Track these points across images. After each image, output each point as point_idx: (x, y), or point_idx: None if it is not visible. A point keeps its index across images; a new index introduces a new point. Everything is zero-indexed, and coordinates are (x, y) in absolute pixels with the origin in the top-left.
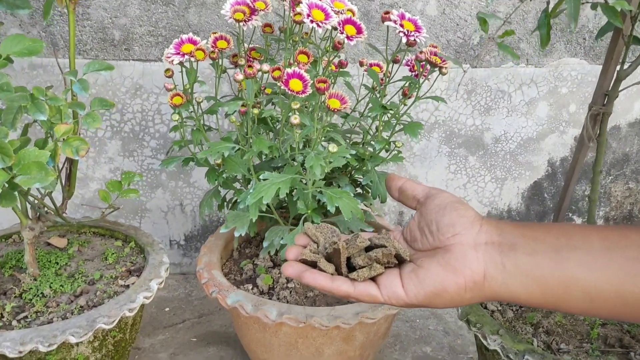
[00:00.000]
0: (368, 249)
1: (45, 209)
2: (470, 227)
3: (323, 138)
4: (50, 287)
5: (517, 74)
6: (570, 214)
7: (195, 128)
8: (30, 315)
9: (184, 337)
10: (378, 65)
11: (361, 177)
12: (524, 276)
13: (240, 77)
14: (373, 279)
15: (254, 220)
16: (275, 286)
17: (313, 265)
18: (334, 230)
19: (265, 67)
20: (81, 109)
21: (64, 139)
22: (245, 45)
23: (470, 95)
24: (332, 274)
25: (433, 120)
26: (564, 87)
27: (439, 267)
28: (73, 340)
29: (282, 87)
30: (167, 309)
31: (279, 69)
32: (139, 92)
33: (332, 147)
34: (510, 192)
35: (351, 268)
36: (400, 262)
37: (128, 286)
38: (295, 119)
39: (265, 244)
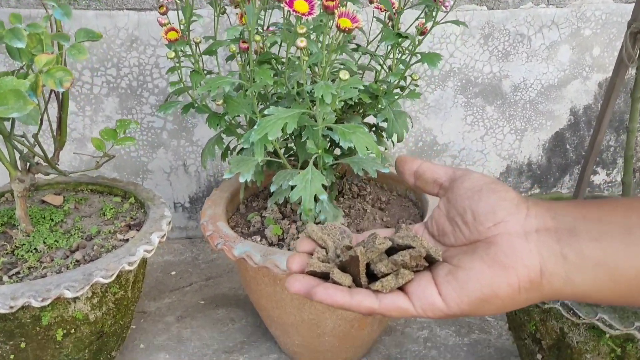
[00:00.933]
0: (389, 251)
1: (36, 159)
2: (515, 211)
3: (333, 70)
4: (44, 242)
5: (537, 15)
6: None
7: (193, 70)
8: (23, 271)
9: (191, 300)
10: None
11: (375, 117)
12: (593, 268)
13: None
14: (401, 288)
15: (259, 161)
16: (285, 237)
17: (324, 277)
18: (344, 231)
19: None
20: (65, 40)
21: (46, 70)
22: None
23: (487, 39)
24: (349, 287)
25: (447, 68)
26: (587, 29)
27: (483, 265)
28: (69, 295)
29: (286, 8)
30: (173, 273)
31: None
32: (135, 45)
33: (344, 74)
34: (531, 144)
35: (371, 276)
36: (430, 263)
37: (127, 240)
38: (301, 42)
39: (272, 187)
